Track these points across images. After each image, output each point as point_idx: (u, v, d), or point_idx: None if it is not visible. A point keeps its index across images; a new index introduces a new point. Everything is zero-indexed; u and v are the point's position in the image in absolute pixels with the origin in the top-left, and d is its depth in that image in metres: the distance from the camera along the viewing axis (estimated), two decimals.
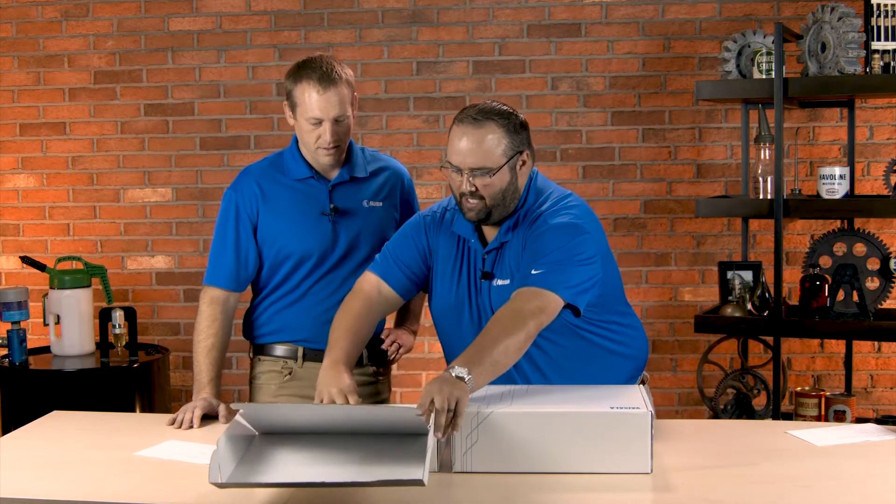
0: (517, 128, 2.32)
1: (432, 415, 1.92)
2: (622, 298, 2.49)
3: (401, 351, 2.77)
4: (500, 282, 2.33)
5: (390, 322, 2.84)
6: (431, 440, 1.85)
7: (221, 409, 2.45)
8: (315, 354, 2.62)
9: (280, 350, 2.69)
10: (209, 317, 2.61)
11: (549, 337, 2.31)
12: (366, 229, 2.66)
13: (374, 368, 2.74)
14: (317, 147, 2.55)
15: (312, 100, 2.50)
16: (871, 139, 4.00)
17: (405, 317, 2.87)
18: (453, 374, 2.00)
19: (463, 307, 2.40)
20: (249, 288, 2.73)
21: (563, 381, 2.33)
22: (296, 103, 2.54)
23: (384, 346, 2.73)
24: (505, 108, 2.34)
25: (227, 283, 2.64)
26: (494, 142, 2.27)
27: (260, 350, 2.73)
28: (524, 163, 2.34)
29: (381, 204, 2.69)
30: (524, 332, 2.14)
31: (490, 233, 2.40)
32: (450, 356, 2.43)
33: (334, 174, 2.65)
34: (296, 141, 2.66)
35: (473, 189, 2.28)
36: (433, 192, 4.19)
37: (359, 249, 2.65)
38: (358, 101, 2.64)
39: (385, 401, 2.80)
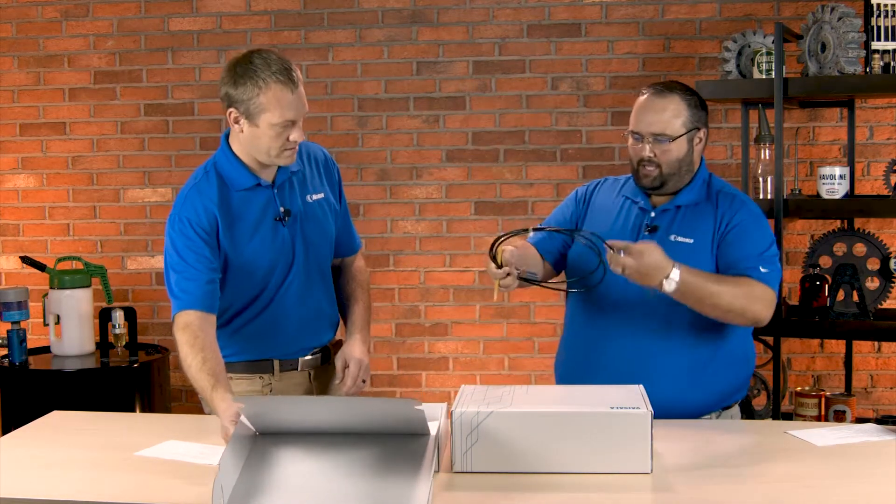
0: (698, 105, 2.49)
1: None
2: None
3: (363, 385, 2.53)
4: (680, 238, 2.46)
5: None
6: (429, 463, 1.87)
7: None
8: (290, 364, 2.55)
9: (252, 368, 2.52)
10: (189, 338, 2.32)
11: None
12: (314, 225, 2.54)
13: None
14: (283, 149, 2.38)
15: (287, 101, 2.33)
16: (871, 139, 4.00)
17: (352, 327, 2.65)
18: (670, 269, 2.25)
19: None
20: None
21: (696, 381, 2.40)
22: (263, 109, 2.33)
23: (345, 390, 2.49)
24: (688, 87, 2.52)
25: (201, 304, 2.37)
26: (676, 112, 2.45)
27: (229, 368, 2.49)
28: (700, 140, 2.50)
29: (322, 195, 2.57)
30: (741, 308, 2.35)
31: (658, 199, 2.53)
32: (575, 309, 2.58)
33: (273, 174, 2.49)
34: (227, 149, 2.48)
35: (652, 155, 2.44)
36: (433, 192, 4.19)
37: (314, 247, 2.54)
38: None
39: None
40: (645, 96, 2.48)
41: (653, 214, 2.50)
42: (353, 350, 2.54)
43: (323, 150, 2.67)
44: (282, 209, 2.48)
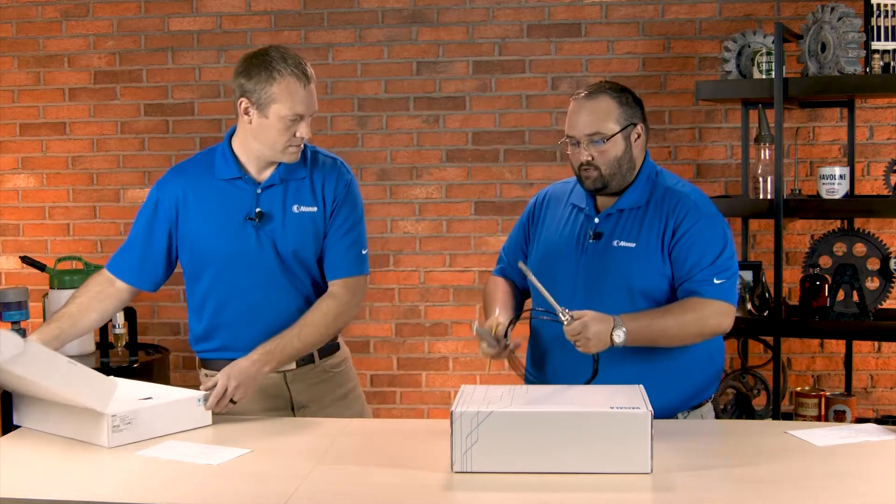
0: (630, 101, 2.48)
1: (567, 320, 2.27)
2: None
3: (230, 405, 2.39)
4: (623, 243, 2.45)
5: None
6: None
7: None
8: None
9: (223, 366, 2.42)
10: (83, 287, 2.62)
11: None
12: (293, 236, 2.50)
13: (329, 363, 2.62)
14: (289, 145, 2.43)
15: (299, 95, 2.39)
16: (871, 139, 4.00)
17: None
18: (612, 330, 2.27)
19: (560, 264, 2.47)
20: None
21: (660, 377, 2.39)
22: (273, 100, 2.38)
23: (206, 406, 2.34)
24: (618, 84, 2.51)
25: (124, 274, 2.60)
26: (607, 111, 2.44)
27: (206, 365, 2.59)
28: (639, 136, 2.49)
29: (315, 209, 2.52)
30: (696, 333, 2.39)
31: (604, 202, 2.52)
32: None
33: (266, 176, 2.51)
34: (229, 139, 2.53)
35: (590, 158, 2.44)
36: (433, 193, 4.19)
37: (288, 257, 2.50)
38: None
39: (353, 389, 2.69)
40: (575, 101, 2.47)
41: (596, 220, 2.49)
42: (235, 364, 2.40)
43: (340, 169, 2.59)
44: (257, 210, 2.49)
